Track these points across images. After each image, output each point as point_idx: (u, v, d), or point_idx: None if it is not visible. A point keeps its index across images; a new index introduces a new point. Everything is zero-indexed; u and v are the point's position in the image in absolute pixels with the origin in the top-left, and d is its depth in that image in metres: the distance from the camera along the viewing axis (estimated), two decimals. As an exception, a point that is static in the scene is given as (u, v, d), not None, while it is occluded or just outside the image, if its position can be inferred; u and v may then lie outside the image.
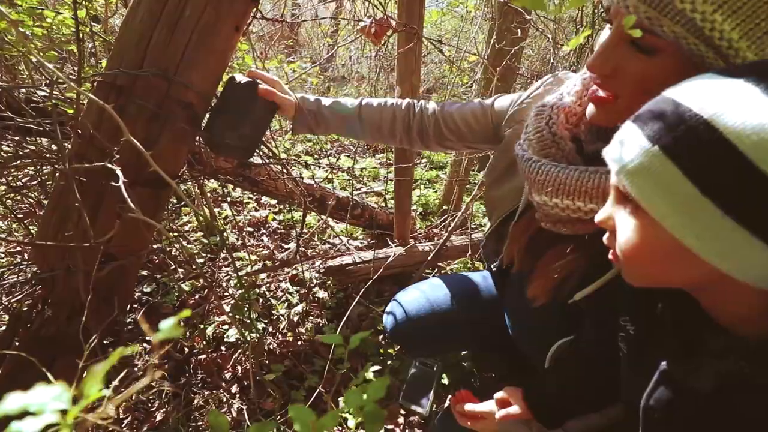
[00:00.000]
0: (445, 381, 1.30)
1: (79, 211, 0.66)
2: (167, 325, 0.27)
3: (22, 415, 0.22)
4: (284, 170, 1.13)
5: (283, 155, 2.89)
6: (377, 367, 0.93)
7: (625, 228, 0.42)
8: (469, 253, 1.62)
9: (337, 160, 2.67)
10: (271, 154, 1.13)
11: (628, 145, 0.39)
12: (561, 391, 0.76)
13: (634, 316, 0.56)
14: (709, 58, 0.47)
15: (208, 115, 0.88)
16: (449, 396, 1.27)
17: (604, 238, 0.47)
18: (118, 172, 0.57)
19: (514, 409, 0.77)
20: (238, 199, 2.19)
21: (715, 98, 0.35)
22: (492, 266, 0.96)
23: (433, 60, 4.15)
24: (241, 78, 0.86)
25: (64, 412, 0.22)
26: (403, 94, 1.30)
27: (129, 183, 0.63)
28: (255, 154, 0.94)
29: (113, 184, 0.57)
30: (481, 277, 1.12)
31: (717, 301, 0.44)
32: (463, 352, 1.36)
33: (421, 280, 1.45)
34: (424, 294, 1.09)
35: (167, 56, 0.80)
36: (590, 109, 0.60)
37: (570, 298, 0.64)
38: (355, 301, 1.28)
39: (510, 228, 0.80)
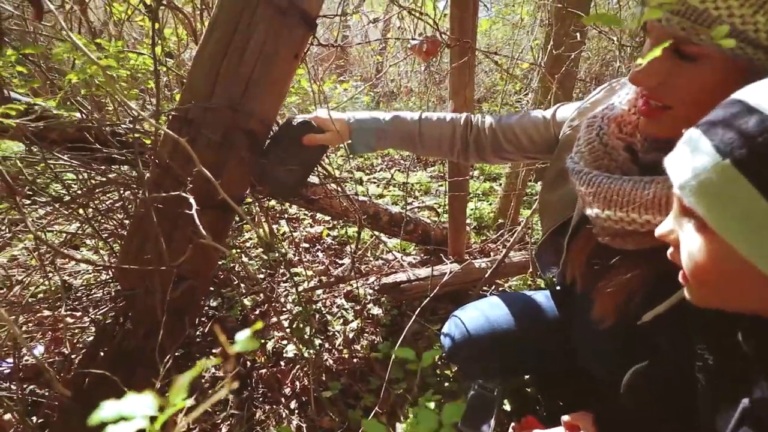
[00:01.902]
0: (507, 407, 1.23)
1: (156, 236, 0.71)
2: (242, 337, 0.27)
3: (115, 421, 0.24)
4: (339, 188, 1.15)
5: (336, 171, 2.97)
6: (437, 396, 0.90)
7: (690, 246, 0.38)
8: (530, 270, 1.54)
9: (392, 176, 2.68)
10: (326, 173, 1.15)
11: (695, 156, 0.35)
12: (635, 419, 0.70)
13: (711, 345, 0.50)
14: (760, 59, 0.44)
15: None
16: (512, 423, 1.20)
17: (668, 253, 0.43)
18: (191, 200, 0.61)
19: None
20: (295, 216, 2.27)
21: None
22: (555, 286, 0.94)
23: (484, 69, 4.09)
24: (297, 118, 0.90)
25: (152, 419, 0.24)
26: (456, 107, 1.28)
27: (200, 208, 0.67)
28: (304, 186, 0.98)
29: (186, 211, 0.61)
30: (544, 297, 1.06)
31: None
32: (527, 377, 1.28)
33: (479, 298, 1.40)
34: (483, 313, 1.04)
35: (233, 87, 0.85)
36: (642, 121, 0.58)
37: (638, 318, 0.59)
38: (412, 319, 1.26)
39: (566, 244, 0.77)
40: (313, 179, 1.26)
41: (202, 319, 1.44)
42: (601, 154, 0.64)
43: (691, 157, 0.35)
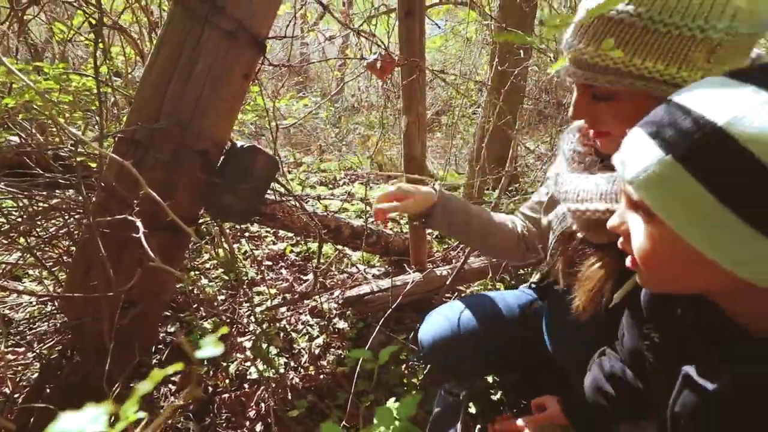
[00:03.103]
0: (473, 410, 1.26)
1: (102, 261, 0.69)
2: (208, 341, 0.27)
3: None
4: (298, 204, 1.16)
5: (298, 187, 2.96)
6: (397, 404, 0.91)
7: (639, 234, 0.41)
8: (490, 275, 1.59)
9: (349, 191, 2.70)
10: (285, 190, 1.16)
11: (641, 154, 0.39)
12: (597, 401, 0.74)
13: (657, 323, 0.55)
14: (664, 90, 0.53)
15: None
16: (478, 426, 1.23)
17: (619, 243, 0.47)
18: (138, 223, 0.60)
19: (550, 412, 0.78)
20: (256, 234, 2.23)
21: (728, 104, 0.34)
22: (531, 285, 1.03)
23: (440, 84, 4.23)
24: (241, 143, 0.90)
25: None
26: (409, 122, 1.32)
27: (149, 230, 0.66)
28: (258, 213, 0.97)
29: (134, 235, 0.60)
30: (503, 296, 1.11)
31: (737, 303, 0.43)
32: (491, 380, 1.32)
33: (440, 305, 1.43)
34: (446, 318, 1.08)
35: (182, 107, 0.85)
36: (597, 143, 0.67)
37: (611, 309, 0.65)
38: (376, 330, 1.27)
39: (550, 244, 0.84)
40: (271, 196, 1.26)
41: (159, 346, 1.38)
42: (574, 158, 0.74)
43: (637, 155, 0.39)
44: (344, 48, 4.36)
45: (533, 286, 1.09)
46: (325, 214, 1.62)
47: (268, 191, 1.12)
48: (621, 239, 0.47)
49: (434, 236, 2.31)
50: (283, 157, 3.87)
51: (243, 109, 1.99)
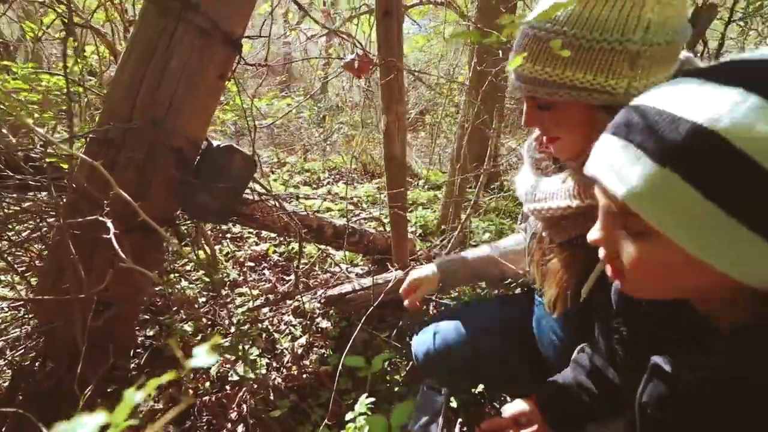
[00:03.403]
0: (454, 404, 1.27)
1: (74, 263, 0.68)
2: (202, 350, 0.26)
3: None
4: (277, 204, 1.15)
5: (281, 187, 2.94)
6: (371, 399, 0.92)
7: (633, 249, 0.40)
8: (470, 272, 1.61)
9: (329, 191, 2.70)
10: (264, 190, 1.15)
11: (633, 166, 0.37)
12: (572, 396, 0.75)
13: (625, 318, 0.56)
14: (597, 98, 0.58)
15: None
16: (459, 419, 1.24)
17: (601, 255, 0.46)
18: (109, 223, 0.59)
19: (529, 408, 0.78)
20: (239, 235, 2.21)
21: (706, 104, 0.34)
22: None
23: (424, 83, 4.25)
24: (217, 143, 0.90)
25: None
26: (389, 122, 1.33)
27: (122, 230, 0.66)
28: (235, 213, 0.97)
29: (104, 236, 0.59)
30: (496, 304, 1.11)
31: (713, 301, 0.44)
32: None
33: (422, 302, 1.44)
34: (438, 331, 1.07)
35: (155, 106, 0.84)
36: (551, 147, 0.72)
37: (583, 304, 0.67)
38: (357, 328, 1.27)
39: (526, 247, 0.87)
40: (251, 196, 1.26)
41: (138, 350, 1.36)
42: (533, 164, 0.79)
43: (629, 167, 0.37)
44: (328, 47, 4.35)
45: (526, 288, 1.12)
46: (307, 213, 1.62)
47: (247, 191, 1.11)
48: (603, 252, 0.45)
49: (417, 234, 2.33)
50: (267, 157, 3.85)
51: (223, 108, 1.97)
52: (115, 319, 0.78)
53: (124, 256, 0.55)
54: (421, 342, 1.10)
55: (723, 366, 0.40)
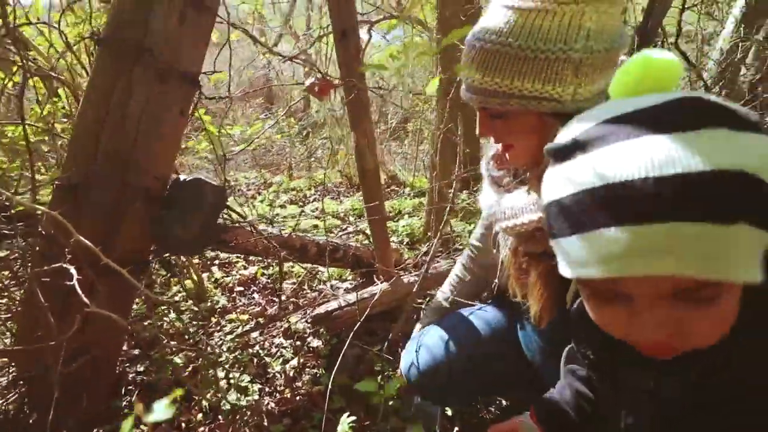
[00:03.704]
0: (449, 412, 1.28)
1: (44, 311, 0.69)
2: (160, 405, 0.27)
3: None
4: (253, 229, 1.17)
5: (267, 208, 2.95)
6: (353, 418, 0.92)
7: (707, 320, 0.37)
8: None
9: (301, 209, 2.71)
10: (239, 217, 1.17)
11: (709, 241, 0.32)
12: (566, 405, 0.74)
13: (589, 342, 0.56)
14: (545, 106, 0.60)
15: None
16: (456, 428, 1.25)
17: (665, 345, 0.40)
18: (72, 270, 0.61)
19: (525, 416, 0.76)
20: (227, 260, 2.22)
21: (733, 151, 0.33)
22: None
23: (386, 100, 4.30)
24: (184, 176, 0.92)
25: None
26: (358, 138, 1.36)
27: (97, 275, 0.67)
28: (209, 243, 0.98)
29: (68, 283, 0.60)
30: (482, 315, 1.11)
31: None
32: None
33: (411, 312, 1.45)
34: (428, 349, 1.07)
35: (120, 147, 0.86)
36: (506, 155, 0.74)
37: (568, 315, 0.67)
38: (346, 345, 1.28)
39: (499, 262, 0.89)
40: (227, 222, 1.27)
41: (129, 387, 1.36)
42: (495, 181, 0.80)
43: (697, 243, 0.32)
44: (309, 69, 4.39)
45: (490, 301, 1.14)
46: (290, 234, 1.63)
47: (222, 219, 1.13)
48: (661, 335, 0.38)
49: (405, 243, 2.34)
50: (254, 179, 3.86)
51: (198, 138, 1.99)
52: (95, 362, 0.78)
53: (87, 301, 0.57)
54: (408, 361, 1.09)
55: (722, 367, 0.40)
